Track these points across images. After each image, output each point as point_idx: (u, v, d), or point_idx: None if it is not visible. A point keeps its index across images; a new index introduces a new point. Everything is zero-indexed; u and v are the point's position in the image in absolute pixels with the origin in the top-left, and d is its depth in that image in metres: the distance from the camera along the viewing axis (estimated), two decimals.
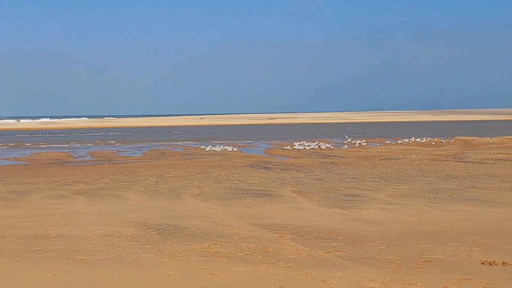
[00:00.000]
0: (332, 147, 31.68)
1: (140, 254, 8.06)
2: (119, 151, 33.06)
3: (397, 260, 7.54)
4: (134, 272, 7.10)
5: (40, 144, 41.36)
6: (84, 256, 7.95)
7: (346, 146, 32.95)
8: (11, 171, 21.17)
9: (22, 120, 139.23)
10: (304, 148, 31.19)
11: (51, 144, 41.88)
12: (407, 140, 36.44)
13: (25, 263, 7.61)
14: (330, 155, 26.37)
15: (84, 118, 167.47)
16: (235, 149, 30.65)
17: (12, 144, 42.27)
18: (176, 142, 43.03)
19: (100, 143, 42.67)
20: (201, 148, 32.71)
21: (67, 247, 8.50)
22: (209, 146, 32.78)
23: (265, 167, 20.91)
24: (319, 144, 32.85)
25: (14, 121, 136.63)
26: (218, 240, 8.87)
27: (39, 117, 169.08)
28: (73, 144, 41.65)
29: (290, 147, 31.97)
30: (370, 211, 11.41)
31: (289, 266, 7.26)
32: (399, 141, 36.29)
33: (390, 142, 36.33)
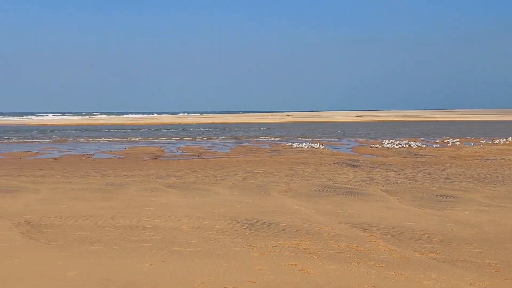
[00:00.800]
0: (423, 146, 30.72)
1: (231, 247, 8.19)
2: (208, 146, 33.79)
3: (495, 264, 7.20)
4: (226, 265, 7.23)
5: (133, 139, 43.09)
6: (178, 247, 8.20)
7: (439, 145, 31.85)
8: (108, 164, 22.20)
9: (112, 116, 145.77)
10: (393, 147, 30.46)
11: (143, 138, 43.51)
12: (504, 140, 34.67)
13: (123, 252, 7.96)
14: (421, 154, 25.59)
15: (182, 114, 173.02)
16: (321, 147, 30.45)
17: (110, 138, 44.31)
18: (262, 138, 43.38)
19: (188, 138, 43.82)
20: (287, 145, 32.78)
21: (162, 238, 8.80)
22: (296, 143, 32.78)
23: (353, 165, 20.63)
24: (409, 142, 31.95)
25: (106, 116, 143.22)
26: (308, 237, 8.85)
27: (127, 113, 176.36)
28: (164, 139, 43.03)
29: (379, 145, 31.34)
30: (466, 212, 10.95)
31: (381, 266, 7.12)
32: (495, 141, 34.58)
33: (485, 142, 34.70)
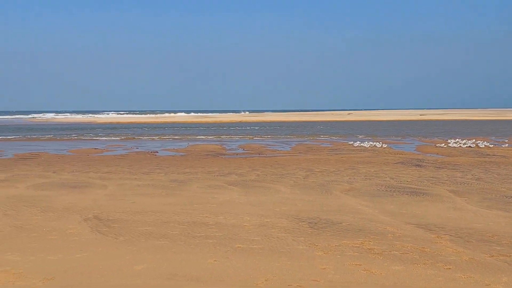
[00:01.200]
0: (491, 146, 29.64)
1: (294, 245, 8.18)
2: (268, 145, 33.86)
3: None
4: (289, 263, 7.22)
5: (195, 137, 43.77)
6: (241, 244, 8.25)
7: (507, 145, 30.66)
8: (171, 161, 22.64)
9: (178, 114, 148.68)
10: (459, 146, 29.55)
11: (204, 136, 44.12)
12: None
13: (187, 247, 8.09)
14: (489, 154, 24.70)
15: (245, 112, 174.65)
16: (384, 145, 29.93)
17: (173, 136, 45.20)
18: (323, 137, 43.09)
19: (249, 137, 44.08)
20: (348, 144, 32.41)
21: (225, 234, 8.89)
22: (357, 142, 32.37)
23: (417, 165, 20.16)
24: (477, 142, 30.91)
25: (172, 114, 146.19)
26: (372, 237, 8.71)
27: (189, 111, 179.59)
28: (224, 137, 43.47)
29: (444, 145, 30.48)
30: None
31: (449, 268, 6.92)
32: None
33: None
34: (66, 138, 43.06)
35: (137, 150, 29.77)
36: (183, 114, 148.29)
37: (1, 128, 64.64)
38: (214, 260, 7.36)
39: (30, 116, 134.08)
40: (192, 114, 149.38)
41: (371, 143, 30.99)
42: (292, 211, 10.96)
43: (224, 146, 32.79)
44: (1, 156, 25.68)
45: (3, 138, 42.96)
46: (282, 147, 31.52)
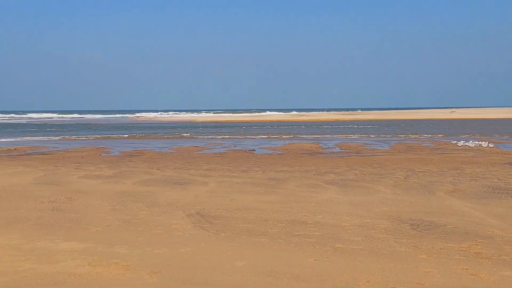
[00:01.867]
0: None
1: (396, 247, 7.97)
2: (366, 143, 33.30)
3: None
4: (392, 265, 7.05)
5: (291, 135, 43.91)
6: (341, 244, 8.16)
7: None
8: (269, 159, 22.86)
9: (272, 113, 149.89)
10: None
11: (300, 135, 44.15)
12: None
13: (287, 245, 8.12)
14: None
15: (342, 112, 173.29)
16: (490, 145, 28.49)
17: (268, 135, 45.66)
18: (424, 136, 41.69)
19: (345, 135, 43.56)
20: (452, 143, 31.17)
21: (324, 234, 8.83)
22: (461, 141, 31.06)
23: None
24: None
25: (271, 113, 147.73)
26: (479, 240, 8.30)
27: (291, 110, 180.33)
28: (321, 136, 43.25)
29: None
30: None
31: None
32: None
33: None
34: (167, 136, 44.74)
35: (235, 148, 30.34)
36: (275, 113, 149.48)
37: (108, 126, 68.34)
38: (314, 259, 7.34)
39: (135, 115, 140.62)
40: (282, 113, 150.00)
41: (476, 142, 29.61)
42: (393, 212, 10.69)
43: (321, 144, 32.63)
44: (109, 154, 27.14)
45: (111, 136, 45.37)
46: (381, 146, 30.87)
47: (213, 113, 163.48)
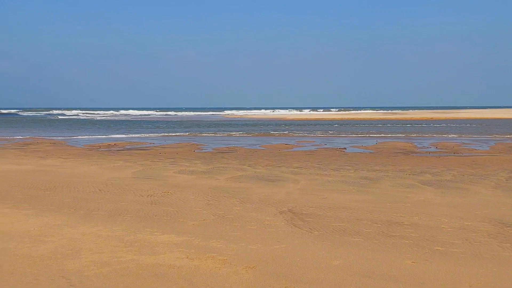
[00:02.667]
0: None
1: (500, 252, 7.57)
2: (464, 143, 31.95)
3: None
4: (495, 270, 6.70)
5: (382, 134, 42.95)
6: (440, 247, 7.87)
7: None
8: (360, 158, 22.50)
9: (367, 110, 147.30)
10: None
11: (393, 134, 43.08)
12: None
13: (383, 246, 7.94)
14: None
15: (433, 110, 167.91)
16: None
17: (357, 133, 44.96)
18: None
19: (441, 134, 42.01)
20: None
21: (422, 236, 8.55)
22: None
23: None
24: None
25: (361, 111, 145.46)
26: None
27: (375, 108, 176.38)
28: (414, 135, 41.97)
29: None
30: None
31: None
32: None
33: None
34: (257, 133, 45.20)
35: (325, 146, 30.13)
36: (369, 111, 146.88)
37: (201, 124, 70.09)
38: (412, 262, 7.12)
39: (223, 112, 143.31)
40: (373, 111, 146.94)
41: None
42: (495, 215, 10.17)
43: (415, 143, 31.68)
44: (202, 150, 27.82)
45: (202, 132, 46.51)
46: (480, 146, 29.51)
47: (298, 111, 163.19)
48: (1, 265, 6.92)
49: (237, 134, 44.93)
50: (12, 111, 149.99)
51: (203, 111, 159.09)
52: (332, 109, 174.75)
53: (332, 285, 6.29)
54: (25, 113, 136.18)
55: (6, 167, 18.37)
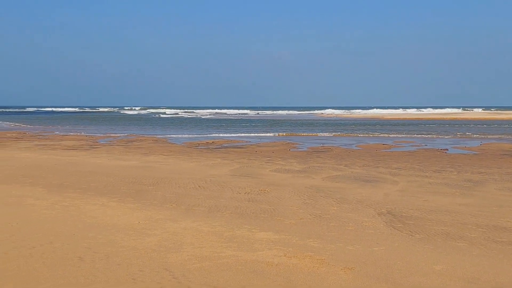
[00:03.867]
0: None
1: None
2: None
3: None
4: None
5: (488, 135, 40.90)
6: None
7: None
8: (463, 160, 21.56)
9: (474, 110, 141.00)
10: None
11: (498, 135, 40.89)
12: None
13: (489, 252, 7.57)
14: None
15: None
16: None
17: (460, 134, 43.10)
18: None
19: None
20: None
21: None
22: None
23: None
24: None
25: (462, 110, 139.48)
26: None
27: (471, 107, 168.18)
28: None
29: None
30: None
31: None
32: None
33: None
34: (352, 134, 44.57)
35: (425, 147, 29.16)
36: (477, 110, 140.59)
37: (295, 122, 70.21)
38: None
39: (318, 112, 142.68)
40: (479, 110, 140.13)
41: None
42: None
43: None
44: (297, 149, 27.85)
45: (297, 132, 46.57)
46: None
47: (394, 109, 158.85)
48: (109, 256, 7.31)
49: (332, 134, 44.56)
50: (114, 109, 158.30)
51: (297, 110, 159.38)
52: (428, 108, 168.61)
53: None
54: (129, 112, 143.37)
55: (113, 163, 19.37)
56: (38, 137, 36.88)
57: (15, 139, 33.77)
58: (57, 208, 10.52)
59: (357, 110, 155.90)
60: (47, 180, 14.29)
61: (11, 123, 64.79)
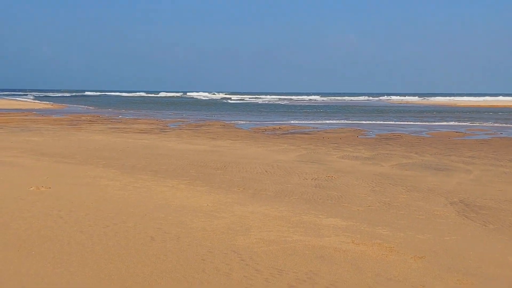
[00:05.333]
0: None
1: None
2: None
3: None
4: None
5: None
6: None
7: None
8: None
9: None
10: None
11: None
12: None
13: None
14: None
15: None
16: None
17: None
18: None
19: None
20: None
21: None
22: None
23: None
24: None
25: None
26: None
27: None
28: None
29: None
30: None
31: None
32: None
33: None
34: (421, 121, 43.41)
35: (501, 135, 28.03)
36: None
37: (362, 109, 69.15)
38: None
39: (377, 98, 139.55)
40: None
41: None
42: None
43: None
44: (365, 136, 27.45)
45: (364, 119, 45.83)
46: None
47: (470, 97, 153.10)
48: (179, 236, 7.48)
49: (401, 121, 43.57)
50: (177, 94, 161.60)
51: (364, 96, 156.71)
52: (501, 96, 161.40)
53: (510, 282, 5.85)
54: (196, 95, 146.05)
55: (182, 146, 19.78)
56: (111, 120, 38.16)
57: (89, 122, 35.08)
58: (129, 189, 10.86)
59: (431, 98, 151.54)
60: (120, 162, 14.78)
61: (84, 106, 67.33)
